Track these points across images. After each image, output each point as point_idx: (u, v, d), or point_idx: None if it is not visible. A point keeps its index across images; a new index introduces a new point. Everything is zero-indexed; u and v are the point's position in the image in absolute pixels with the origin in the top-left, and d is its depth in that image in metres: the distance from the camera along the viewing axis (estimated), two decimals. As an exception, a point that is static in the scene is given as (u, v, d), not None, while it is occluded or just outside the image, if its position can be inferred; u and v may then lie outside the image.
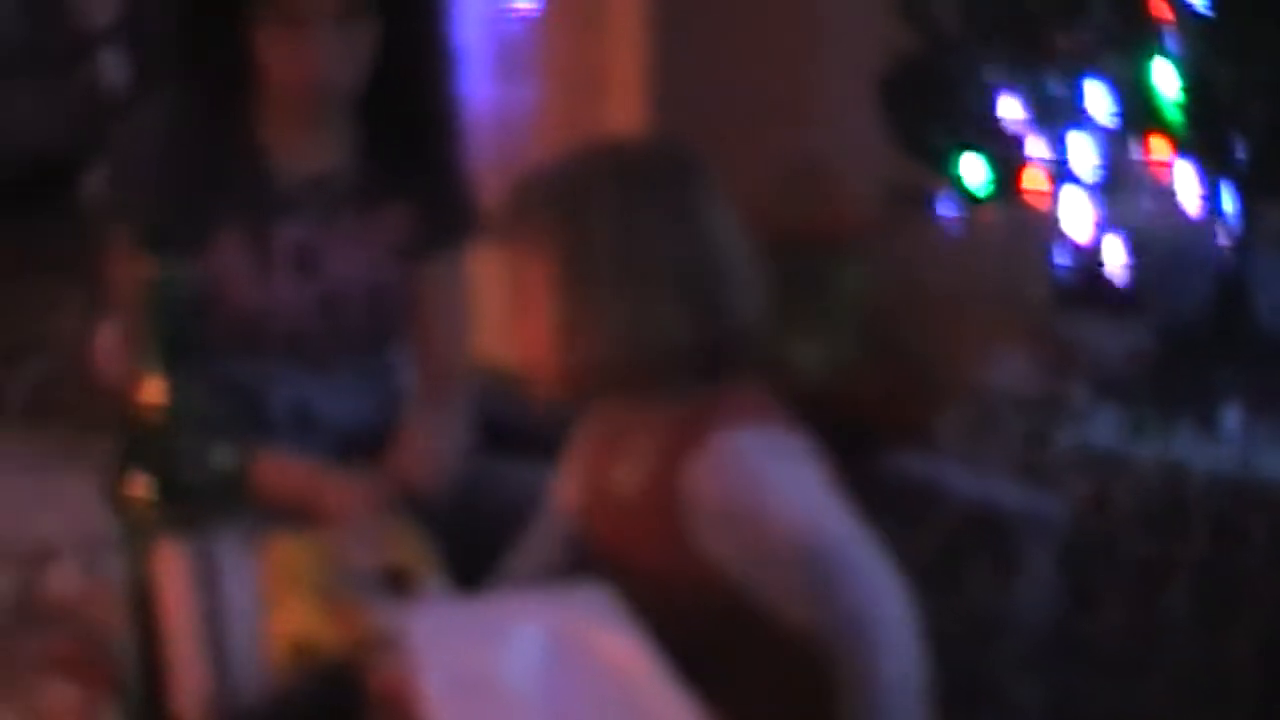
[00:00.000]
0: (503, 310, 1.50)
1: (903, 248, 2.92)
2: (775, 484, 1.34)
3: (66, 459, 2.46)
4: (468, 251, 1.97)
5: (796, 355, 3.34)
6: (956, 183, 2.53)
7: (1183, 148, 2.34)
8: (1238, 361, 2.50)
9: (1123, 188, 2.43)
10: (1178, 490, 2.37)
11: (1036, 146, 2.46)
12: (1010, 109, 2.45)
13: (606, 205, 1.38)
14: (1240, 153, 2.32)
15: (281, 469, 1.64)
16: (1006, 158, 2.47)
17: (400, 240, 1.88)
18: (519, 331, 1.46)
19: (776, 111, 3.47)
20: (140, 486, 1.00)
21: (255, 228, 1.79)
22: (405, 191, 1.87)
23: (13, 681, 1.10)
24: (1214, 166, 2.34)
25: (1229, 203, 2.36)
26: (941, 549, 2.50)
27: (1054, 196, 2.47)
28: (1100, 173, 2.43)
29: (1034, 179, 2.47)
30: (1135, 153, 2.39)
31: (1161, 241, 2.46)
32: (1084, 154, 2.42)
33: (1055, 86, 2.42)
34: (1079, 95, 2.38)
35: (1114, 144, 2.41)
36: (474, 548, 1.56)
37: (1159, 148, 2.35)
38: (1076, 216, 2.46)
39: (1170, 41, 2.30)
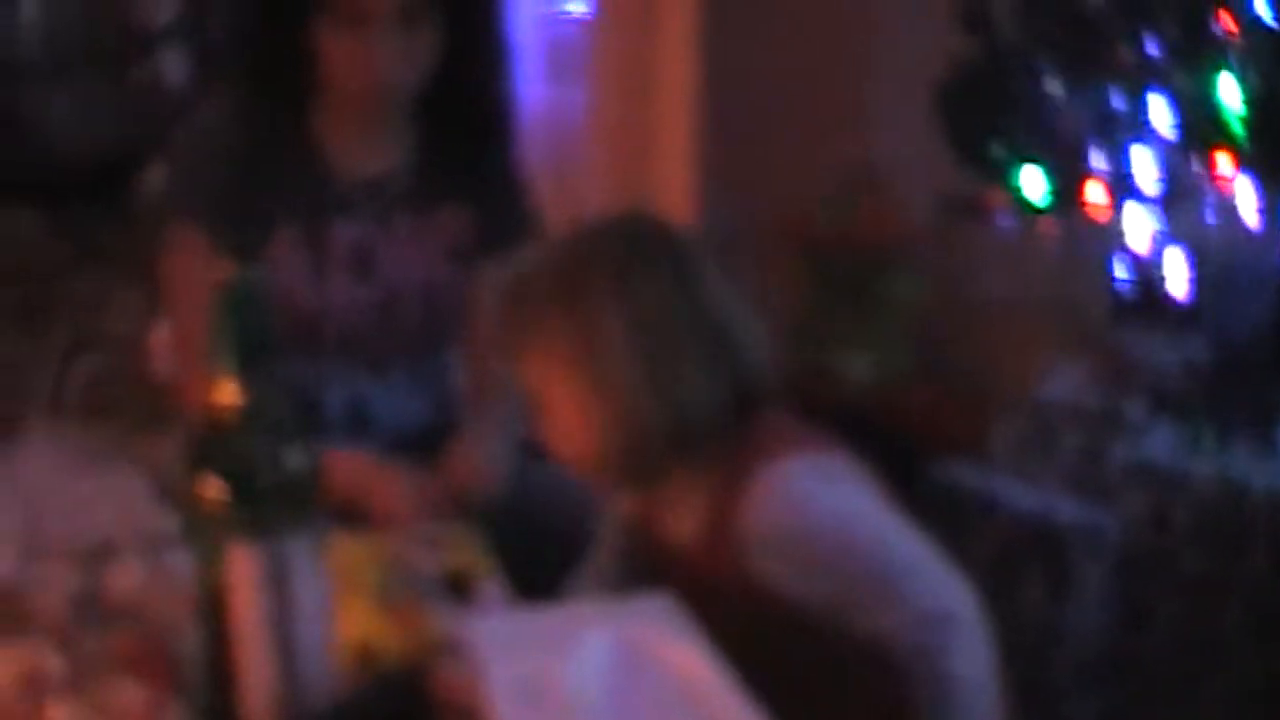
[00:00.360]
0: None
1: (958, 258, 2.91)
2: (831, 504, 1.35)
3: (121, 456, 2.48)
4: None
5: (848, 365, 3.33)
6: (1015, 194, 2.51)
7: (1245, 162, 2.32)
8: (1297, 378, 2.48)
9: (1183, 201, 2.40)
10: (1234, 507, 2.35)
11: (1097, 159, 2.44)
12: (1071, 121, 2.43)
13: (604, 289, 1.40)
14: (1303, 167, 2.30)
15: (339, 469, 1.64)
16: (1066, 169, 2.45)
17: (455, 243, 1.89)
18: (550, 432, 1.47)
19: (832, 119, 3.46)
20: (213, 488, 1.00)
21: (312, 228, 1.80)
22: (461, 194, 1.88)
23: (80, 679, 1.10)
24: (1276, 181, 2.32)
25: (1291, 218, 2.34)
26: (994, 562, 2.48)
27: (1114, 209, 2.44)
28: (1161, 186, 2.40)
29: (1094, 191, 2.44)
30: (1197, 166, 2.37)
31: (1221, 255, 2.44)
32: (1145, 167, 2.39)
33: (1118, 99, 2.39)
34: (1142, 108, 2.36)
35: (1175, 157, 2.38)
36: (526, 549, 1.55)
37: (1221, 161, 2.33)
38: (1136, 229, 2.44)
39: (1235, 55, 2.28)
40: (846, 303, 3.37)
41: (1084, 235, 2.52)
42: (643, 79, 4.12)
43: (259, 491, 1.00)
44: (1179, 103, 2.35)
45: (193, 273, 1.78)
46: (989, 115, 2.51)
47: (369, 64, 1.67)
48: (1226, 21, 2.29)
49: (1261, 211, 2.35)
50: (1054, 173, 2.47)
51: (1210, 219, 2.39)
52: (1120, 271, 2.52)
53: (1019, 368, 2.74)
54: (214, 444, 1.02)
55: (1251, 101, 2.28)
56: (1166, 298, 2.49)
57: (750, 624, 1.31)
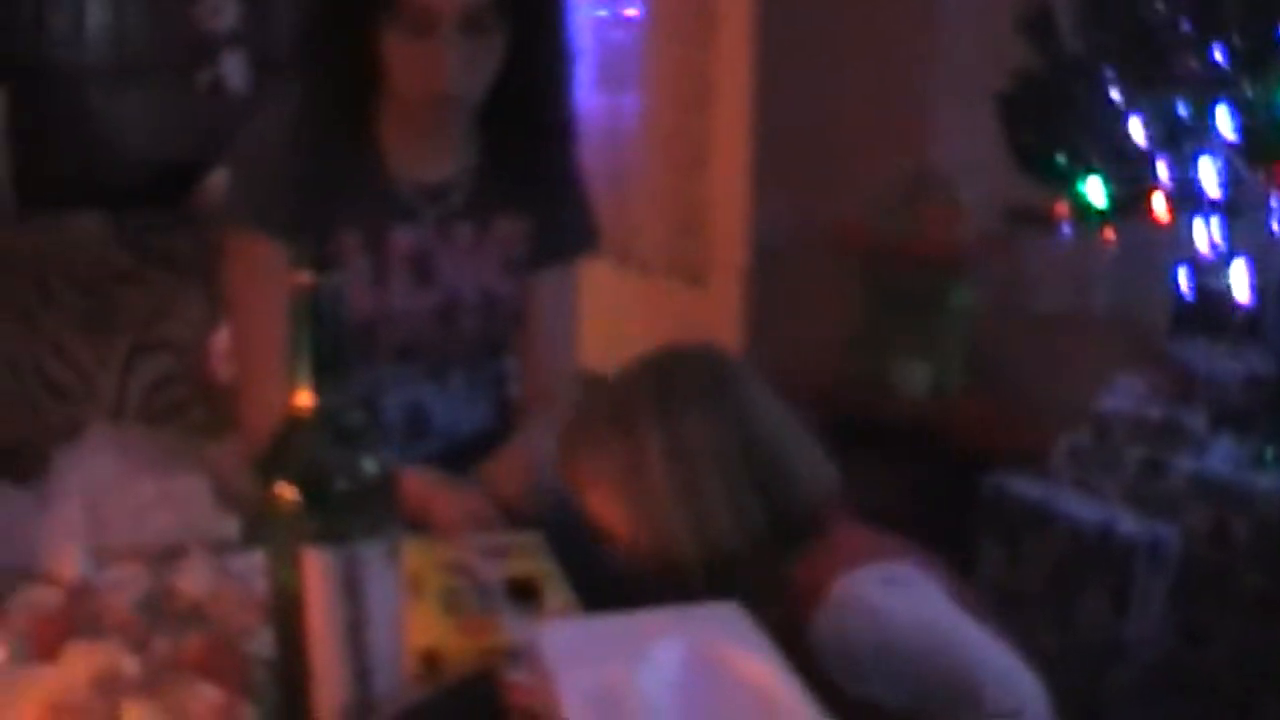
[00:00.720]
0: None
1: (1019, 268, 2.89)
2: (906, 613, 1.37)
3: (182, 459, 2.50)
4: (579, 265, 1.98)
5: (906, 376, 3.32)
6: (1077, 203, 2.49)
7: (1311, 174, 2.30)
8: (1361, 392, 2.45)
9: (1247, 212, 2.39)
10: (1297, 522, 2.33)
11: (1161, 168, 2.42)
12: (1136, 130, 2.41)
13: (648, 420, 1.45)
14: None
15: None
16: (1129, 179, 2.44)
17: (514, 251, 1.89)
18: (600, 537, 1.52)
19: (891, 127, 3.44)
20: (289, 494, 1.00)
21: (373, 234, 1.80)
22: (522, 203, 1.88)
23: (153, 680, 1.10)
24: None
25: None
26: (1053, 575, 2.47)
27: (1177, 219, 2.42)
28: (1225, 196, 2.38)
29: (1157, 201, 2.43)
30: (1261, 176, 2.35)
31: (1285, 268, 2.42)
32: (1209, 177, 2.37)
33: (1182, 108, 2.37)
34: (1208, 118, 2.34)
35: (1240, 168, 2.37)
36: (575, 559, 1.55)
37: (1287, 173, 2.31)
38: (1199, 240, 2.42)
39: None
40: (904, 313, 3.35)
41: (1146, 245, 2.50)
42: (698, 85, 4.12)
43: (334, 497, 1.00)
44: (1244, 112, 2.33)
45: (254, 278, 1.79)
46: (1052, 125, 2.50)
47: (435, 72, 1.66)
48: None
49: (1327, 224, 2.33)
50: (1117, 182, 2.46)
51: (1274, 230, 2.37)
52: (1183, 282, 2.50)
53: (1079, 379, 2.72)
54: (289, 449, 1.02)
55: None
56: (1229, 309, 2.47)
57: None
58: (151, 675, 1.11)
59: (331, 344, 1.01)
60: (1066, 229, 2.53)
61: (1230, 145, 2.35)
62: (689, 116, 4.18)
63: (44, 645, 1.27)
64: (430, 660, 1.24)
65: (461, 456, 1.83)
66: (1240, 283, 2.39)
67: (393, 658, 1.05)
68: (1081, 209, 2.48)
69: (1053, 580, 2.47)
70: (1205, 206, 2.38)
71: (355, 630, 1.01)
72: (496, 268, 1.88)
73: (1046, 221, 2.54)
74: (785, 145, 3.74)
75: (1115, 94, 2.41)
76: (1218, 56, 2.31)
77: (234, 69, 3.56)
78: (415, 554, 1.40)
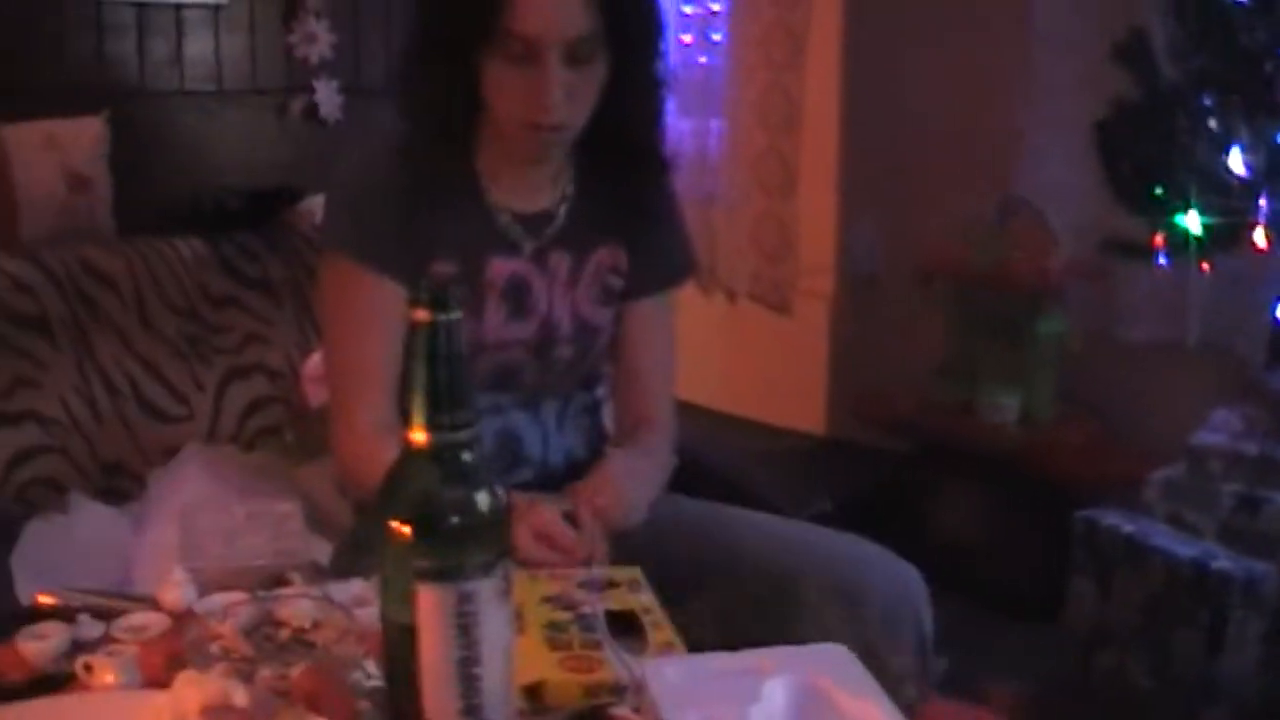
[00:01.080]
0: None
1: (1112, 297, 2.86)
2: None
3: (274, 483, 2.52)
4: (676, 294, 1.98)
5: (996, 404, 3.29)
6: (1173, 233, 2.47)
7: None
8: None
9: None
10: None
11: (1260, 200, 2.39)
12: (1235, 161, 2.38)
13: None
14: None
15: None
16: (1227, 210, 2.41)
17: (610, 282, 1.89)
18: None
19: (984, 154, 3.42)
20: (403, 530, 1.00)
21: (471, 263, 1.80)
22: (618, 233, 1.88)
23: (260, 710, 1.11)
24: None
25: None
26: (1146, 611, 2.43)
27: (1276, 250, 2.39)
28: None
29: (1255, 232, 2.39)
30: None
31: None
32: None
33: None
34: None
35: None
36: (680, 585, 1.54)
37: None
38: (1297, 272, 2.39)
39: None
40: (993, 340, 3.33)
41: (1244, 276, 2.47)
42: (786, 110, 4.10)
43: (448, 533, 1.01)
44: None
45: (348, 304, 1.80)
46: (1150, 155, 2.47)
47: (538, 102, 1.67)
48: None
49: None
50: (1215, 213, 2.43)
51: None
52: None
53: (1174, 411, 2.69)
54: (404, 485, 1.03)
55: None
56: (1327, 343, 2.44)
57: None
58: (261, 705, 1.12)
59: (447, 380, 1.01)
60: (1162, 259, 2.50)
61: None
62: (776, 141, 4.17)
63: (152, 671, 1.28)
64: (535, 695, 1.24)
65: (553, 486, 1.83)
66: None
67: (503, 693, 1.05)
68: (1179, 239, 2.45)
69: (1146, 616, 2.44)
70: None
71: (466, 666, 1.01)
72: (593, 298, 1.88)
73: (1143, 251, 2.51)
74: (874, 170, 3.73)
75: (1214, 123, 2.38)
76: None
77: (327, 96, 3.63)
78: (518, 587, 1.40)
